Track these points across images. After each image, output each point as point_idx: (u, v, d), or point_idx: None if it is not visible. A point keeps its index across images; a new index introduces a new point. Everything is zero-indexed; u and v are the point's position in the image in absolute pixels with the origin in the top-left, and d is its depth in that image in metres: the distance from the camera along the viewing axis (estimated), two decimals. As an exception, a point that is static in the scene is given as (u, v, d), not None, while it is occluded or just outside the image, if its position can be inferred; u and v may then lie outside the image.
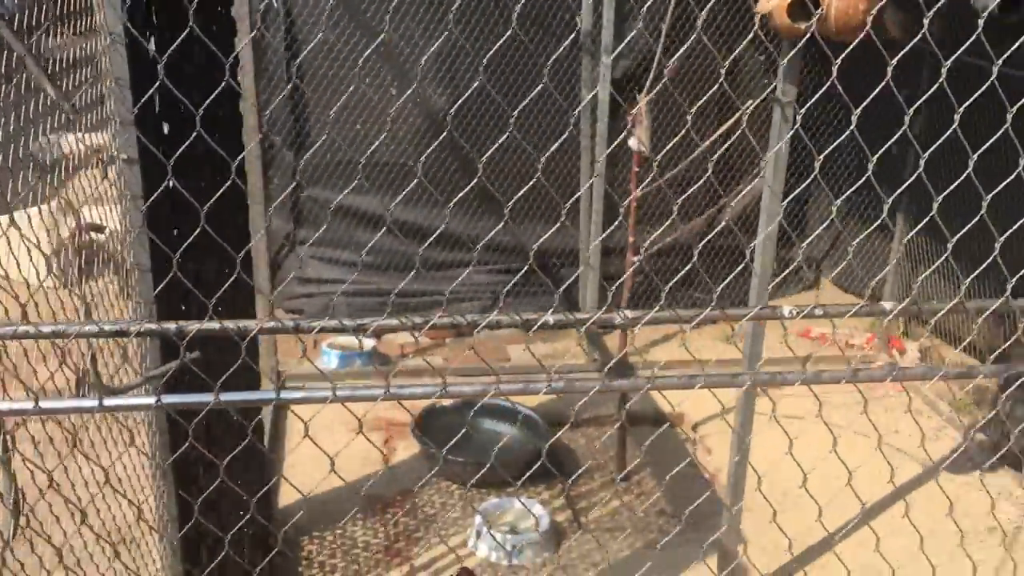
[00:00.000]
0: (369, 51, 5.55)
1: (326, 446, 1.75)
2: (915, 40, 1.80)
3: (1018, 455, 1.79)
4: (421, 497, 4.35)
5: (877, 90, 1.81)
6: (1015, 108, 1.81)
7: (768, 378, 1.87)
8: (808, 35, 2.76)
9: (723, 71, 5.39)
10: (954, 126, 1.72)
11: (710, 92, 4.61)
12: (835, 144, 2.39)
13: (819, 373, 1.81)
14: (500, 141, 1.96)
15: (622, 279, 4.87)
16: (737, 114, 4.45)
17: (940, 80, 1.61)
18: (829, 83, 1.68)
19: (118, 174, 2.09)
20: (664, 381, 1.82)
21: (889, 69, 1.66)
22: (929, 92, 1.96)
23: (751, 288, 3.41)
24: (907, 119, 1.75)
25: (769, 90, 3.98)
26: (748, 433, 3.44)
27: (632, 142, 4.44)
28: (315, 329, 1.65)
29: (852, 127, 1.69)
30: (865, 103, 1.78)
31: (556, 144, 5.52)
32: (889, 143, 2.04)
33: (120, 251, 2.56)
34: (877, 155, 1.88)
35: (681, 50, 5.04)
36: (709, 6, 4.87)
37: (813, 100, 2.31)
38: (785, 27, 3.14)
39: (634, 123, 4.48)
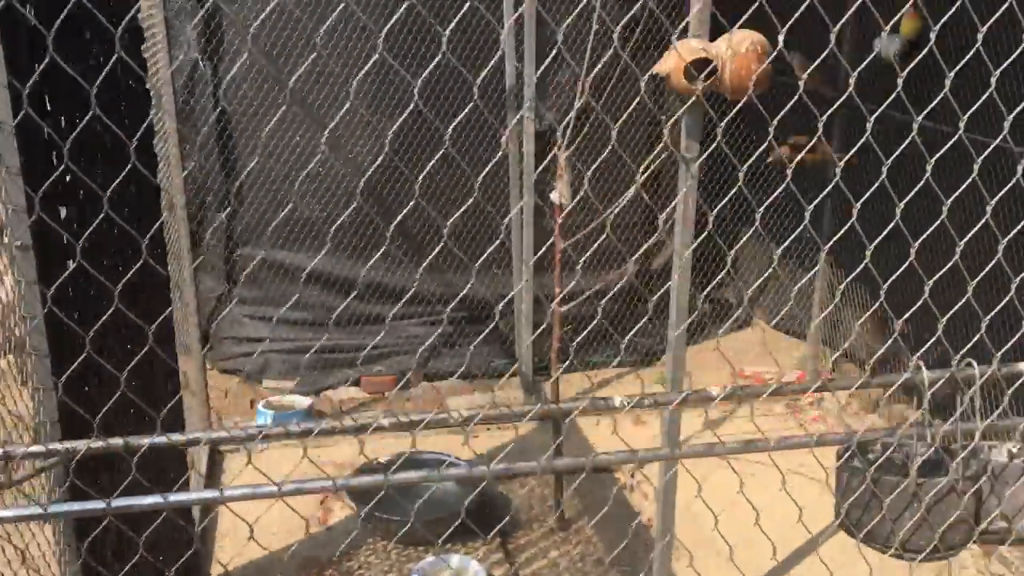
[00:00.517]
0: (295, 108, 5.59)
1: (263, 506, 1.72)
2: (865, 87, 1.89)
3: (851, 527, 1.85)
4: (357, 558, 4.33)
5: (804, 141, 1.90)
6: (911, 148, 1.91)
7: (694, 452, 1.92)
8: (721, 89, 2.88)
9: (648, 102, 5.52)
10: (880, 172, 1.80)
11: (625, 141, 4.73)
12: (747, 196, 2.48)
13: (746, 444, 1.83)
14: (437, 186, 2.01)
15: (568, 321, 4.93)
16: (643, 173, 4.57)
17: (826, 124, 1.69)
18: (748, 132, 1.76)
19: (11, 259, 2.10)
20: (604, 459, 1.84)
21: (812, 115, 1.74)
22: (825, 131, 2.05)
23: (668, 341, 3.47)
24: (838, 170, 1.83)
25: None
26: (673, 491, 3.49)
27: (553, 195, 4.53)
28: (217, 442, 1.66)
29: (738, 185, 1.77)
30: (755, 154, 1.85)
31: (489, 181, 5.60)
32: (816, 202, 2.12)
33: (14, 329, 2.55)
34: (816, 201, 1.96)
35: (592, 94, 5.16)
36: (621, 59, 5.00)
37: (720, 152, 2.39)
38: (683, 88, 3.24)
39: (555, 176, 4.58)
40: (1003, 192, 2.05)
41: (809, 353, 6.08)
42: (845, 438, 1.72)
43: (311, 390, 5.91)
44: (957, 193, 2.03)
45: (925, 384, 1.87)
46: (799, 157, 2.49)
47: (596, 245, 2.71)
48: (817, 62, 2.14)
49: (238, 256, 6.07)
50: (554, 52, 5.60)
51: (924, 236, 2.09)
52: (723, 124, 1.81)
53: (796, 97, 1.86)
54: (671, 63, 3.29)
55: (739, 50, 3.21)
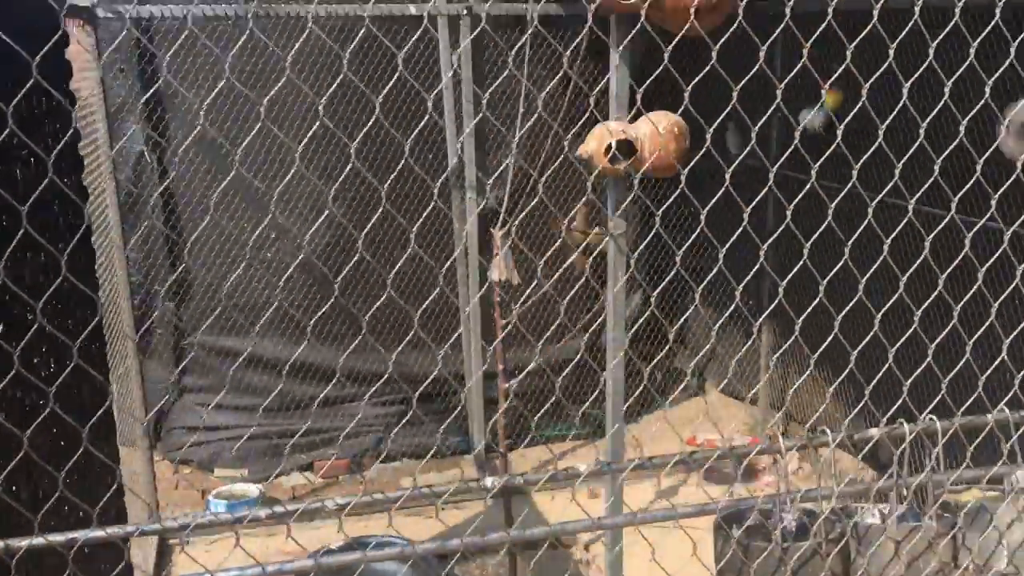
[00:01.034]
0: (240, 194, 5.67)
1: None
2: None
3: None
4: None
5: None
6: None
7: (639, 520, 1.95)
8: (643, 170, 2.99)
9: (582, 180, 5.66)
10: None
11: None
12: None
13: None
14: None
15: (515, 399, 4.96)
16: (579, 249, 4.67)
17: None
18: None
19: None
20: (537, 532, 1.87)
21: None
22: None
23: (607, 416, 3.53)
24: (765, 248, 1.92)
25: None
26: (620, 562, 3.51)
27: (492, 272, 4.61)
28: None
29: (675, 268, 1.85)
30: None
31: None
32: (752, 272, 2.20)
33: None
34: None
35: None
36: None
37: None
38: (606, 168, 3.37)
39: (494, 254, 4.68)
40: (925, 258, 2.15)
41: (759, 418, 6.16)
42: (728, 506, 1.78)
43: (263, 477, 5.85)
44: (880, 260, 2.12)
45: (831, 449, 1.94)
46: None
47: (541, 319, 2.78)
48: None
49: (186, 344, 6.06)
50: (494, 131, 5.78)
51: (850, 304, 2.16)
52: (642, 199, 1.89)
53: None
54: (592, 145, 3.43)
55: (658, 131, 3.36)
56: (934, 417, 1.74)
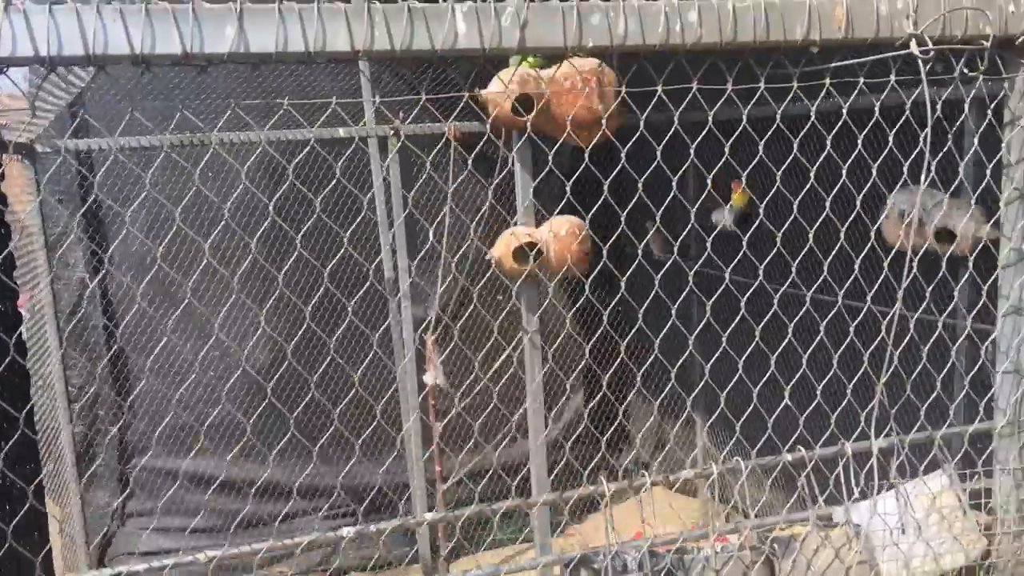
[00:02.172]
0: (183, 316, 5.76)
1: None
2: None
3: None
4: None
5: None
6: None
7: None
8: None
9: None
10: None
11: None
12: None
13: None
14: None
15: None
16: (504, 355, 4.84)
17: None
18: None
19: None
20: None
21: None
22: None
23: (534, 517, 3.60)
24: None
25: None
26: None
27: (427, 377, 4.74)
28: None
29: (612, 370, 1.99)
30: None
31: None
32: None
33: None
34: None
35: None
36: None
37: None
38: (513, 269, 3.55)
39: (427, 360, 4.81)
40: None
41: (702, 510, 6.22)
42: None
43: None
44: (785, 343, 2.26)
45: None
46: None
47: (487, 423, 2.89)
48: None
49: (131, 468, 6.04)
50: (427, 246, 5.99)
51: (758, 386, 2.29)
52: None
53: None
54: (501, 248, 3.63)
55: (559, 233, 3.57)
56: (739, 458, 1.87)
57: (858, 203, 1.86)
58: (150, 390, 5.93)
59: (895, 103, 1.74)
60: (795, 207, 1.90)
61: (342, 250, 3.50)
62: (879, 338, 2.70)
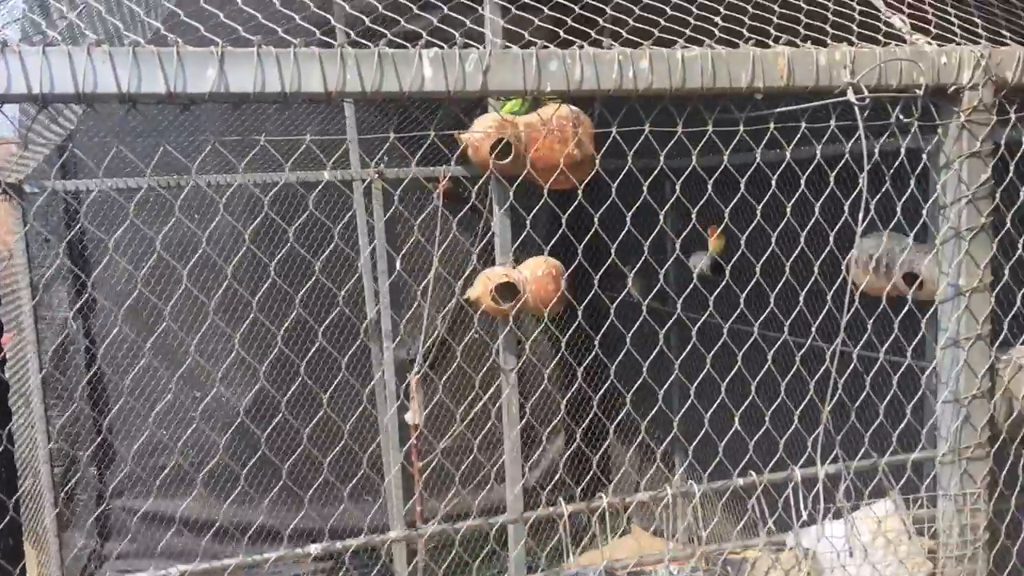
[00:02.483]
0: (165, 360, 5.80)
1: None
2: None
3: None
4: None
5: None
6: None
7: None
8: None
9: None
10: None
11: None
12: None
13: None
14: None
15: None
16: (487, 394, 4.91)
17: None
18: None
19: None
20: None
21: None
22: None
23: (509, 559, 3.64)
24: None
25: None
26: None
27: (407, 416, 4.79)
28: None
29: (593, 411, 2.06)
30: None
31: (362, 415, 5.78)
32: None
33: None
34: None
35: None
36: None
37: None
38: (491, 308, 3.63)
39: (408, 398, 4.87)
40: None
41: (682, 554, 6.24)
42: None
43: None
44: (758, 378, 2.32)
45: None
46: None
47: (472, 466, 2.94)
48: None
49: (109, 509, 6.02)
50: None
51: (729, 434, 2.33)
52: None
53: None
54: (479, 289, 3.71)
55: (536, 274, 3.66)
56: (693, 481, 1.94)
57: (832, 241, 1.95)
58: (130, 430, 5.94)
59: (858, 151, 1.82)
60: (769, 244, 1.99)
61: (329, 282, 3.57)
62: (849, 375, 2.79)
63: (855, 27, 1.78)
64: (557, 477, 6.51)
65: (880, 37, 1.74)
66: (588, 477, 6.76)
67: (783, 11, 1.84)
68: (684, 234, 2.36)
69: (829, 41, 1.70)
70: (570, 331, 5.89)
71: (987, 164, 1.67)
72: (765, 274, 2.12)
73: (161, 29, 1.76)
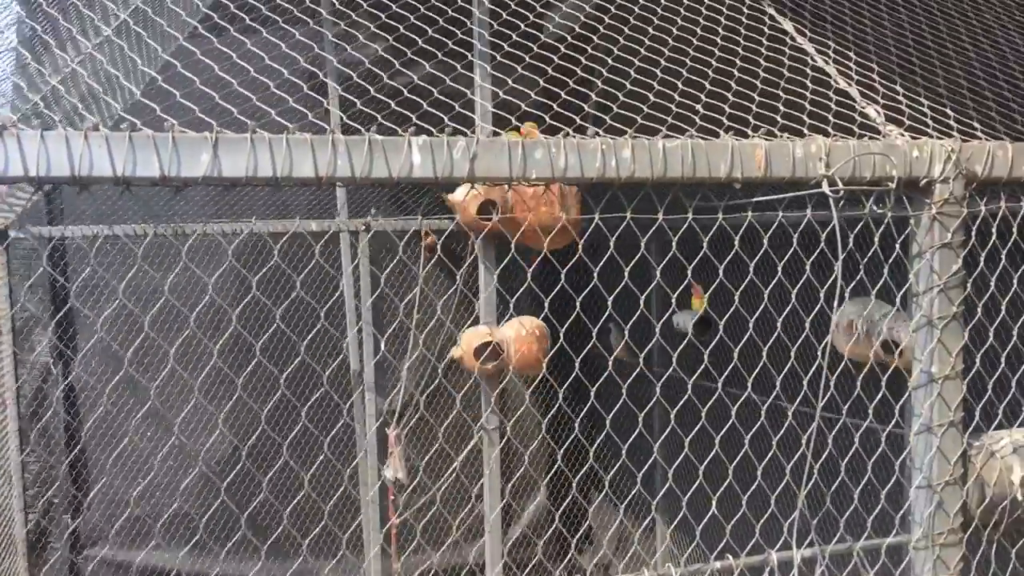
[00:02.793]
0: (146, 410, 5.77)
1: None
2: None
3: None
4: None
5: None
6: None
7: None
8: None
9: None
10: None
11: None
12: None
13: None
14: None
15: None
16: (470, 444, 4.92)
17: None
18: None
19: None
20: None
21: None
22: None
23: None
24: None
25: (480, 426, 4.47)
26: None
27: (387, 472, 4.77)
28: None
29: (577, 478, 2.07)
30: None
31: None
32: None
33: None
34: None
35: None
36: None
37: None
38: (474, 367, 3.64)
39: (389, 453, 4.85)
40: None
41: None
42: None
43: None
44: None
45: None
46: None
47: (429, 519, 2.93)
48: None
49: (83, 559, 5.94)
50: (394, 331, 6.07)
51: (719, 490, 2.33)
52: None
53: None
54: (463, 347, 3.73)
55: (520, 333, 3.69)
56: (670, 564, 1.95)
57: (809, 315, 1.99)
58: (106, 479, 5.88)
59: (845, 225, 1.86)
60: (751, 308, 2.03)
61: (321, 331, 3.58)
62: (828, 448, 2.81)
63: (831, 117, 1.84)
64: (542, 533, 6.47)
65: (855, 128, 1.79)
66: (566, 542, 6.72)
67: (762, 99, 1.90)
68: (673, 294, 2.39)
69: (806, 131, 1.76)
70: (552, 389, 5.91)
71: (958, 255, 1.72)
72: (748, 337, 2.14)
73: (159, 79, 1.80)
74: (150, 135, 1.35)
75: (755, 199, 1.68)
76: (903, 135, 1.77)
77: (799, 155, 1.63)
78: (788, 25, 2.16)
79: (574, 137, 1.56)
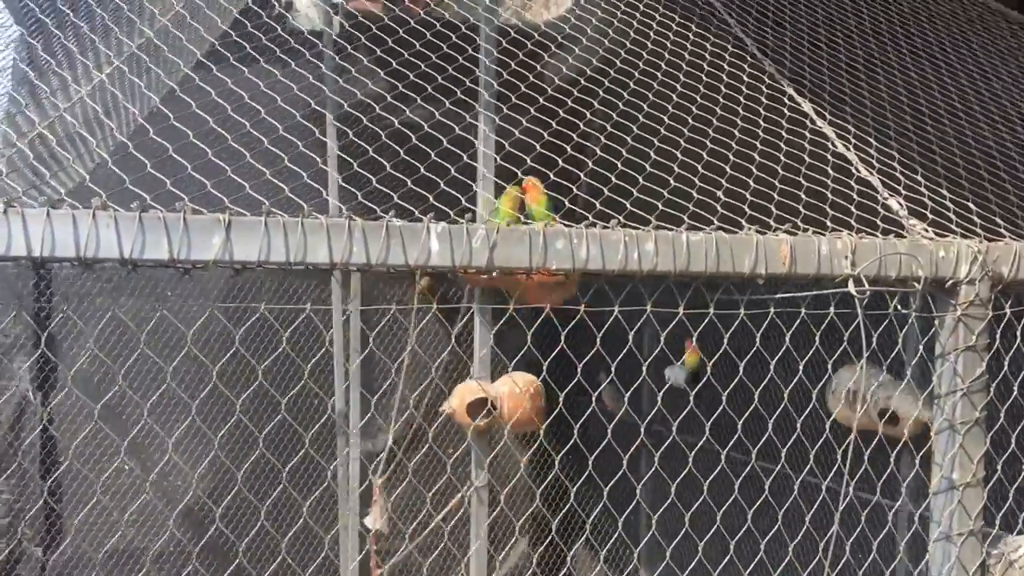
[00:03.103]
0: (120, 440, 5.65)
1: None
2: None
3: None
4: None
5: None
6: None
7: None
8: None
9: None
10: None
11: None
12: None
13: None
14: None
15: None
16: (453, 502, 4.83)
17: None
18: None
19: None
20: None
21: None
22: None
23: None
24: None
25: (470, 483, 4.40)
26: None
27: (367, 520, 4.67)
28: None
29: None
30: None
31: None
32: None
33: None
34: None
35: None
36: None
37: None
38: (466, 424, 3.57)
39: (372, 501, 4.75)
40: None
41: None
42: None
43: None
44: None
45: None
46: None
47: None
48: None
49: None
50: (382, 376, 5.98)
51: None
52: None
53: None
54: (456, 401, 3.66)
55: (514, 391, 3.62)
56: None
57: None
58: (78, 510, 5.75)
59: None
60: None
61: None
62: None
63: (853, 208, 1.80)
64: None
65: (878, 221, 1.76)
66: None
67: (783, 187, 1.86)
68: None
69: (829, 223, 1.72)
70: (545, 443, 5.83)
71: (982, 358, 1.68)
72: (738, 397, 2.11)
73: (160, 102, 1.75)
74: (161, 216, 1.29)
75: (778, 295, 1.64)
76: (927, 230, 1.74)
77: (824, 252, 1.59)
78: (807, 107, 2.13)
79: (595, 227, 1.51)
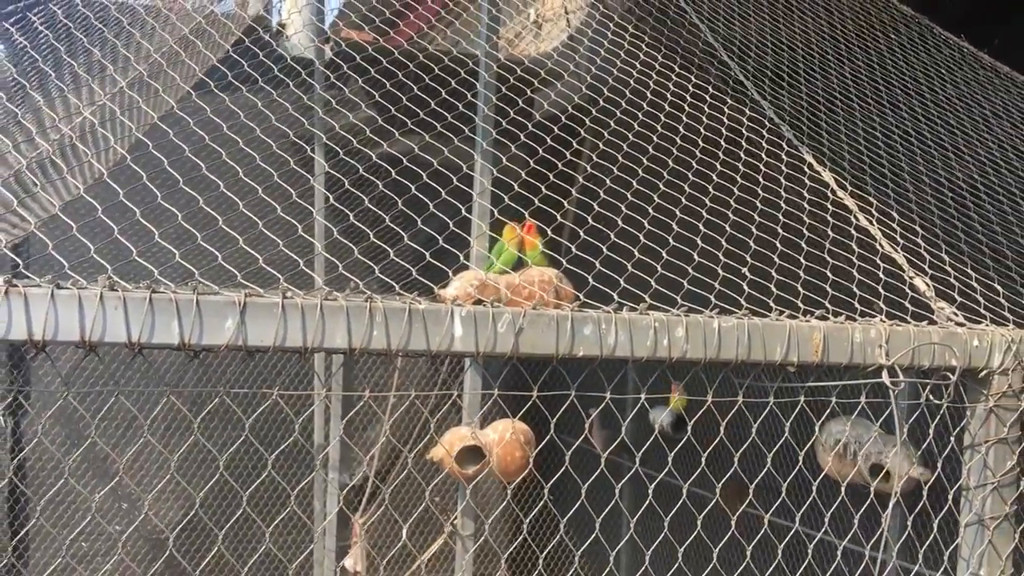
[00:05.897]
0: (93, 467, 5.51)
1: None
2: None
3: None
4: None
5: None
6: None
7: None
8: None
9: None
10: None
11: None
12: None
13: None
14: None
15: None
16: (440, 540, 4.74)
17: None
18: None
19: None
20: None
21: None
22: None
23: None
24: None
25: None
26: None
27: (347, 561, 4.56)
28: None
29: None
30: None
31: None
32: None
33: None
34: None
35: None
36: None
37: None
38: (455, 471, 3.49)
39: (351, 542, 4.64)
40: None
41: None
42: None
43: None
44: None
45: None
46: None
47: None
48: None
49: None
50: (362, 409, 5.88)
51: None
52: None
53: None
54: (442, 450, 3.58)
55: (504, 438, 3.54)
56: None
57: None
58: (49, 537, 5.60)
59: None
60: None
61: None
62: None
63: (880, 288, 1.75)
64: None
65: (906, 304, 1.71)
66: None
67: (809, 263, 1.81)
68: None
69: (857, 305, 1.67)
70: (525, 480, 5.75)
71: (1013, 451, 1.63)
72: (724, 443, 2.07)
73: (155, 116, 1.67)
74: (172, 298, 1.20)
75: (808, 384, 1.58)
76: (956, 314, 1.69)
77: (858, 340, 1.54)
78: (828, 176, 2.09)
79: (623, 311, 1.44)
